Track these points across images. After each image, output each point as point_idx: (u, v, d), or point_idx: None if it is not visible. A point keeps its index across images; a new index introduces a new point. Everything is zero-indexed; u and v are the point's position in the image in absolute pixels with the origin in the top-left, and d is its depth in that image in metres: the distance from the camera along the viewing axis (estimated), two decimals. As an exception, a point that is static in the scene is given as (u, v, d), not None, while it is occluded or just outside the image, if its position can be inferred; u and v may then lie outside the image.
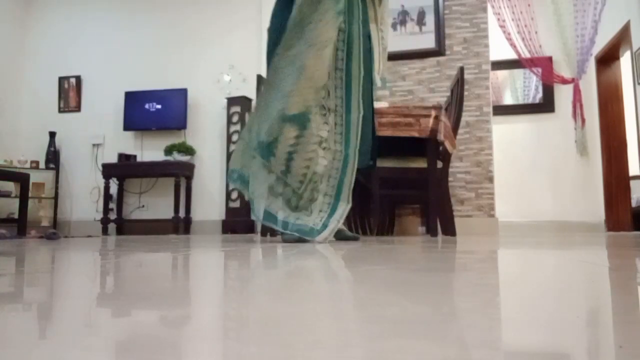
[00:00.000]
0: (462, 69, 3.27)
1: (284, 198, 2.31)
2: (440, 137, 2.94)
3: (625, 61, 5.71)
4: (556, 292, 0.62)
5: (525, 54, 5.89)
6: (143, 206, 6.08)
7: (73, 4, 6.56)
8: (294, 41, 2.36)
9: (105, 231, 5.76)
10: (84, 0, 6.53)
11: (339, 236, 2.42)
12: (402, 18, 4.55)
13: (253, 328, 0.41)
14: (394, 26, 4.55)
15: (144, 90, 6.08)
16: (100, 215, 5.86)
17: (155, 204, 6.03)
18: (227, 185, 5.66)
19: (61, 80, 6.46)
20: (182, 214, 5.75)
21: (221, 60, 5.98)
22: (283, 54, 2.38)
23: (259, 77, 3.47)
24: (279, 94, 2.34)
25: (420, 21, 4.50)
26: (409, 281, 0.71)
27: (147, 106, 6.04)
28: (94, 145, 6.30)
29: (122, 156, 5.92)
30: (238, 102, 5.66)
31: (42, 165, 6.13)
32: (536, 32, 5.82)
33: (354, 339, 0.36)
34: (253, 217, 2.41)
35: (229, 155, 5.66)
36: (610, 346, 0.35)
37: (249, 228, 5.52)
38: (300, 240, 2.20)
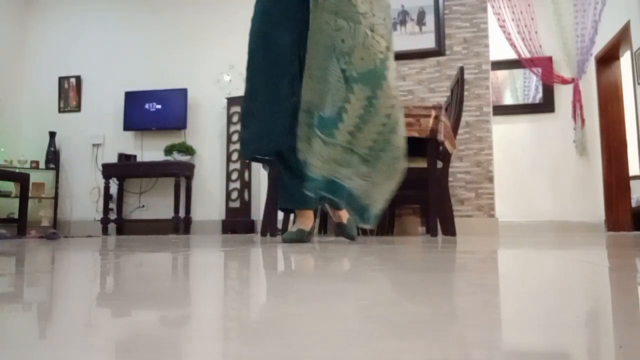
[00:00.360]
0: (462, 69, 3.27)
1: (352, 167, 1.93)
2: (440, 137, 2.94)
3: (625, 61, 5.71)
4: (556, 292, 0.62)
5: (525, 54, 5.89)
6: (143, 206, 6.08)
7: (73, 4, 6.56)
8: None
9: (105, 231, 5.76)
10: (84, 0, 6.53)
11: (341, 231, 2.35)
12: (402, 18, 4.55)
13: (253, 328, 0.41)
14: (394, 26, 4.54)
15: (144, 90, 6.08)
16: (100, 215, 5.86)
17: (155, 204, 6.03)
18: (227, 185, 5.66)
19: (61, 80, 6.47)
20: (182, 214, 5.75)
21: (221, 60, 5.98)
22: (322, 5, 1.92)
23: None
24: (334, 54, 1.89)
25: (420, 21, 4.50)
26: (409, 281, 0.71)
27: (147, 106, 6.05)
28: (94, 145, 6.30)
29: (122, 156, 5.92)
30: (238, 102, 5.65)
31: (42, 165, 6.13)
32: (536, 32, 5.82)
33: (354, 339, 0.36)
34: (308, 192, 2.07)
35: (229, 155, 5.67)
36: (610, 346, 0.35)
37: (249, 228, 5.52)
38: (300, 240, 2.20)
